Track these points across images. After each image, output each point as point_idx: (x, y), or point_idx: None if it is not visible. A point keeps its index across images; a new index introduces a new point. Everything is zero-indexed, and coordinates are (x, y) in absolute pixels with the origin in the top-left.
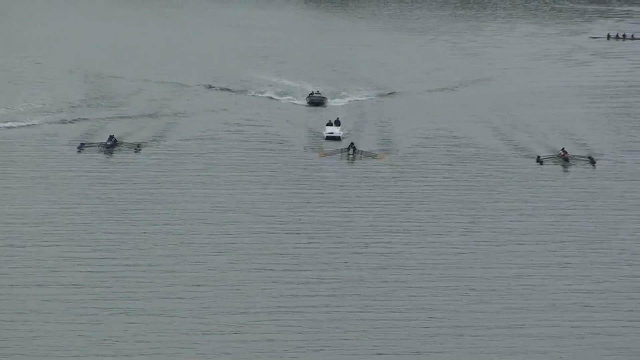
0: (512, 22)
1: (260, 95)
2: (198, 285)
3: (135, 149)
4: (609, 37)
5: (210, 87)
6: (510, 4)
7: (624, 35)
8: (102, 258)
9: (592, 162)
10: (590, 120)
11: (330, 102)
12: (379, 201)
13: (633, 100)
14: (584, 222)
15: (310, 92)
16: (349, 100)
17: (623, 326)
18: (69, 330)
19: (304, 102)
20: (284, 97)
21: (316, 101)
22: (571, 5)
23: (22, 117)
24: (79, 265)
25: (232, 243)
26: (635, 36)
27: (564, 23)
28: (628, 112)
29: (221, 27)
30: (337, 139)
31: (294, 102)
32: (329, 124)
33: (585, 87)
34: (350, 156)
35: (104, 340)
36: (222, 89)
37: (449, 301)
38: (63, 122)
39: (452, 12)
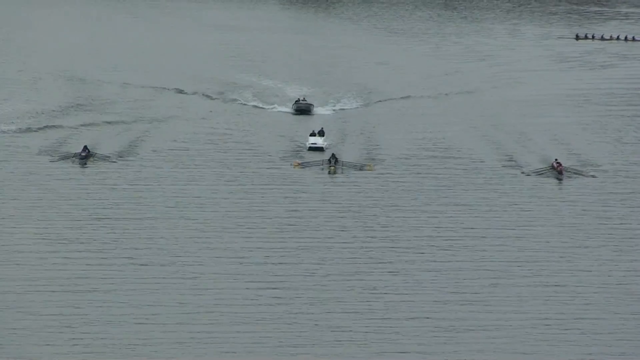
0: (490, 23)
1: (243, 102)
2: (181, 294)
3: (110, 160)
4: (577, 37)
5: (190, 92)
6: (501, 7)
7: (592, 36)
8: (76, 276)
9: (586, 174)
10: (564, 128)
11: (318, 110)
12: (357, 213)
13: (606, 107)
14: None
15: (297, 98)
16: (336, 108)
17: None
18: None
19: (290, 109)
20: (268, 105)
21: (303, 108)
22: (542, 7)
23: None
24: (52, 278)
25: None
26: (604, 37)
27: (537, 24)
28: (598, 121)
29: (202, 29)
30: (320, 149)
31: (279, 109)
32: (312, 134)
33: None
34: (331, 168)
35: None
36: (202, 95)
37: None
38: (34, 130)
39: (434, 12)
